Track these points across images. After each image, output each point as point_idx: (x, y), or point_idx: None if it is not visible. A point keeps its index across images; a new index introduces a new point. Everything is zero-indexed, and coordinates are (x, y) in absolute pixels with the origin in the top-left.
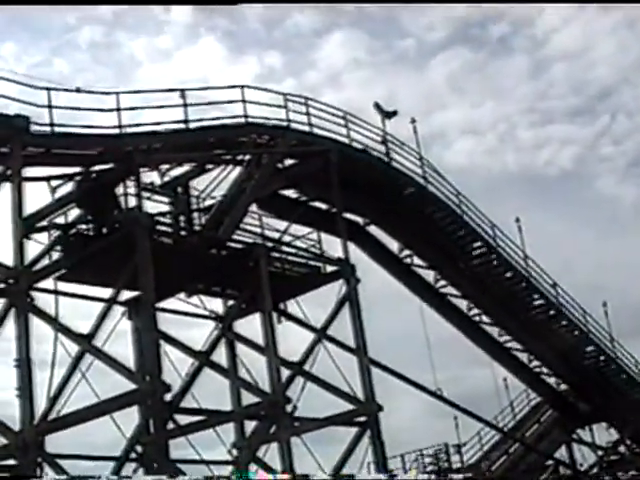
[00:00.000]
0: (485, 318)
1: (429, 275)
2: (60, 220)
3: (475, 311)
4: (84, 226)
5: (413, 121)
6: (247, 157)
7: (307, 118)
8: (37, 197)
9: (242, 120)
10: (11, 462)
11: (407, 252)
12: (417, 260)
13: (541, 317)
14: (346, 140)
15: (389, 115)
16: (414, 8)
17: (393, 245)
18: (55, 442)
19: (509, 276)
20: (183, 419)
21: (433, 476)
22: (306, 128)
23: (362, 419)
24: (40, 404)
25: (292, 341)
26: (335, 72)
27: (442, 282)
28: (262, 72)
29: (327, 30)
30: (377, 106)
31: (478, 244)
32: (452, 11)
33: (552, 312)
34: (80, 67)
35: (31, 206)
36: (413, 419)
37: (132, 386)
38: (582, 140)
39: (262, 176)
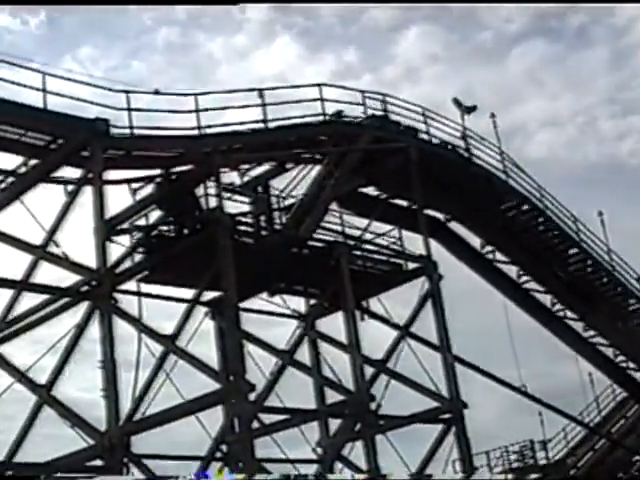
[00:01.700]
0: (569, 313)
1: (512, 270)
2: (141, 222)
3: (559, 306)
4: (165, 227)
5: (493, 116)
6: (327, 155)
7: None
8: (118, 200)
9: (321, 118)
10: (98, 463)
11: (489, 248)
12: (499, 256)
13: (626, 311)
14: (426, 136)
15: (468, 110)
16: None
17: (475, 241)
18: (141, 442)
19: (593, 270)
20: (268, 418)
21: (510, 476)
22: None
23: (447, 416)
24: (125, 405)
25: (375, 339)
26: (412, 67)
27: (525, 277)
28: (339, 69)
29: (404, 25)
30: (456, 101)
31: (561, 239)
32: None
33: (637, 306)
34: (157, 69)
35: (113, 209)
36: (497, 415)
37: (216, 386)
38: None
39: (342, 174)
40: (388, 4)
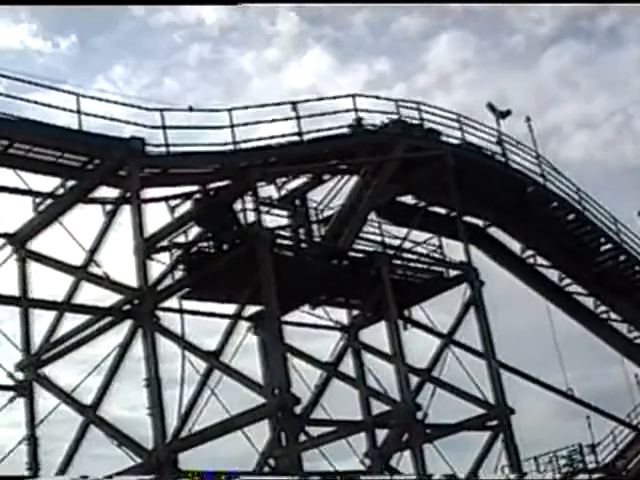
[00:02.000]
0: (613, 315)
1: (553, 274)
2: (181, 239)
3: (602, 308)
4: (205, 244)
5: (528, 119)
6: (363, 165)
7: (420, 123)
8: (157, 218)
9: (356, 129)
10: None
11: (529, 252)
12: (540, 260)
13: None
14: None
15: (503, 115)
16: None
17: (515, 246)
18: (188, 459)
19: (636, 270)
20: (314, 431)
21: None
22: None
23: (494, 423)
24: (171, 422)
25: (419, 347)
26: (445, 74)
27: (567, 280)
28: (371, 79)
29: (434, 32)
30: (490, 106)
31: (602, 240)
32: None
33: None
34: (190, 85)
35: (151, 227)
36: (544, 420)
37: (261, 400)
38: None
39: (379, 184)
40: (410, 4)
